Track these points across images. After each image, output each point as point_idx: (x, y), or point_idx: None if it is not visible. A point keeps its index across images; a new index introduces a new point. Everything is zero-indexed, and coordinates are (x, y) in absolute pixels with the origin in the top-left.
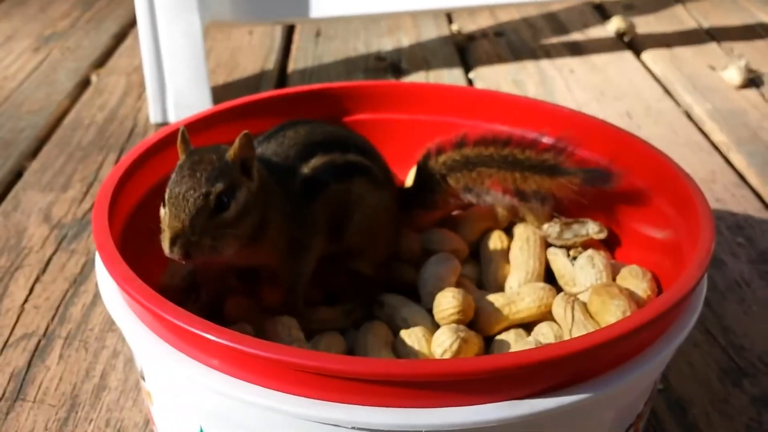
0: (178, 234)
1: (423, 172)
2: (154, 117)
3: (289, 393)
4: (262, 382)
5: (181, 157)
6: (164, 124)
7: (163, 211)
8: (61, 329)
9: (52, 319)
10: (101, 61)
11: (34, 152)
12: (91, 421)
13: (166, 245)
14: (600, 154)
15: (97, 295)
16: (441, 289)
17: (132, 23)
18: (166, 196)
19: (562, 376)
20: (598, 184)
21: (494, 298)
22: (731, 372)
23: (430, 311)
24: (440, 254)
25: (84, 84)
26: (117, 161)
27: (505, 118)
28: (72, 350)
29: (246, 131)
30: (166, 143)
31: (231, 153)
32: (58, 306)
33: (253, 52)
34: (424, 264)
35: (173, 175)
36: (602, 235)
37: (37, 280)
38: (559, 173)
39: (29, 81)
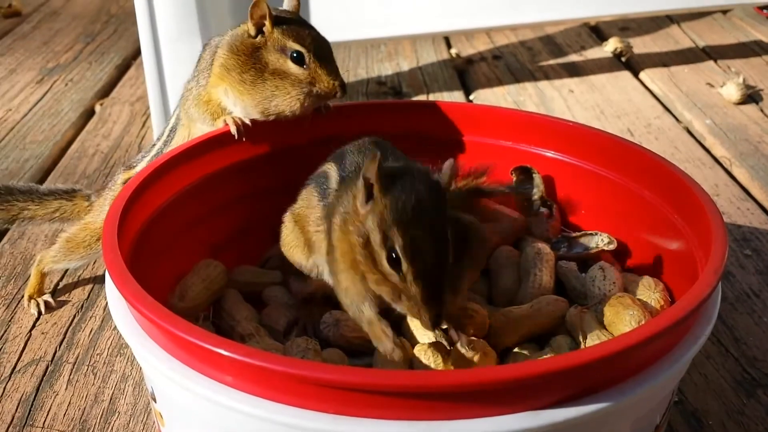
0: (439, 311)
1: None
2: None
3: (306, 408)
4: (278, 398)
5: (382, 195)
6: None
7: (404, 268)
8: (69, 354)
9: (60, 344)
10: (105, 92)
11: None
12: None
13: (427, 323)
14: (608, 166)
15: (104, 320)
16: None
17: (135, 54)
18: (407, 257)
19: (581, 385)
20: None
21: (506, 312)
22: (745, 383)
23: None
24: None
25: (88, 114)
26: None
27: (509, 134)
28: (80, 375)
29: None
30: (172, 165)
31: (445, 181)
32: (66, 331)
33: None
34: None
35: (398, 230)
36: (612, 247)
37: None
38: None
39: (33, 113)
